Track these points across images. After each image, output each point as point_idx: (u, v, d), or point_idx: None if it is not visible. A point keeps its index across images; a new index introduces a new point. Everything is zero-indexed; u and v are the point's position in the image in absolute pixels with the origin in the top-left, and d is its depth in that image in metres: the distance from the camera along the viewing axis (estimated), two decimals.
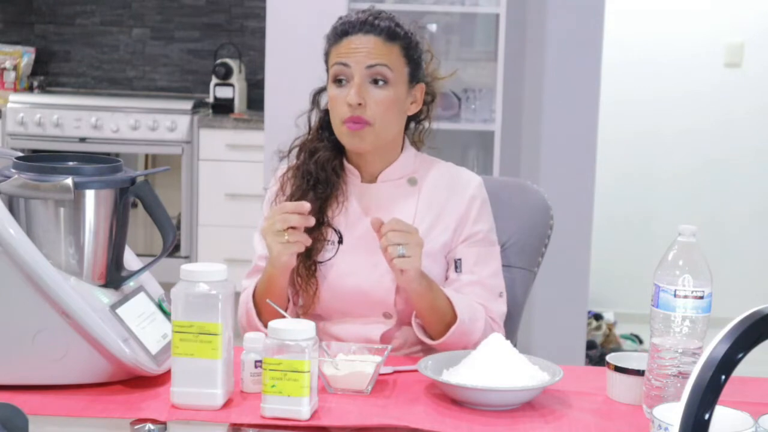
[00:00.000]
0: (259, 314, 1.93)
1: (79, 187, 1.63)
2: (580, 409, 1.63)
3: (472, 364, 1.66)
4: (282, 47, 3.88)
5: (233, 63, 4.82)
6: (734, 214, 5.16)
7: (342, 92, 1.92)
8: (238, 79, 4.80)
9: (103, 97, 4.86)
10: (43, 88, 5.05)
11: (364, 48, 1.91)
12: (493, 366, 1.64)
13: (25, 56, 5.04)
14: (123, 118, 4.59)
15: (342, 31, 1.94)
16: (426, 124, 2.07)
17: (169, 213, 1.74)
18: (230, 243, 4.48)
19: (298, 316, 1.97)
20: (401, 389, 1.69)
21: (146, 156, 4.71)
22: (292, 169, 2.02)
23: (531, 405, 1.63)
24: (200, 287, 1.55)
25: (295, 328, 1.54)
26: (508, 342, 1.70)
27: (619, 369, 1.67)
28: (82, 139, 4.59)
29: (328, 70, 1.98)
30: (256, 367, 1.63)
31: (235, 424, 1.54)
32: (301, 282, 1.96)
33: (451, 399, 1.63)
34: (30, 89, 5.00)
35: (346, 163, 2.01)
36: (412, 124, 2.07)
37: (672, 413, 1.40)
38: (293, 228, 1.82)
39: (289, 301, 1.96)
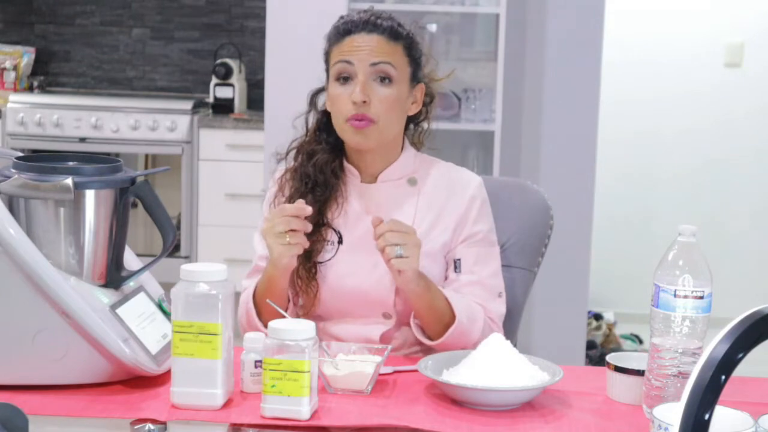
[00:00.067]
0: (259, 314, 1.93)
1: (79, 187, 1.63)
2: (580, 409, 1.63)
3: (472, 364, 1.66)
4: (282, 47, 3.88)
5: (233, 63, 4.82)
6: (734, 214, 5.16)
7: (346, 90, 1.92)
8: (238, 79, 4.80)
9: (103, 97, 4.86)
10: (43, 88, 5.05)
11: (367, 46, 1.91)
12: (493, 366, 1.64)
13: (25, 56, 5.04)
14: (123, 118, 4.59)
15: (345, 30, 1.94)
16: (425, 125, 2.07)
17: (169, 213, 1.74)
18: (230, 243, 4.48)
19: (298, 316, 1.97)
20: (401, 389, 1.69)
21: (146, 156, 4.72)
22: (290, 171, 2.01)
23: (531, 405, 1.63)
24: (200, 287, 1.55)
25: (295, 328, 1.54)
26: (508, 342, 1.70)
27: (619, 369, 1.67)
28: (82, 139, 4.59)
29: (328, 70, 1.98)
30: (256, 367, 1.63)
31: (235, 424, 1.54)
32: (301, 284, 1.95)
33: (451, 399, 1.63)
34: (30, 89, 5.00)
35: (345, 163, 2.01)
36: (411, 125, 2.06)
37: (672, 413, 1.40)
38: (293, 230, 1.82)
39: (289, 301, 1.95)
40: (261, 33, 4.57)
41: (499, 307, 1.98)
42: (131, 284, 1.73)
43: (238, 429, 1.54)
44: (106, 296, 1.66)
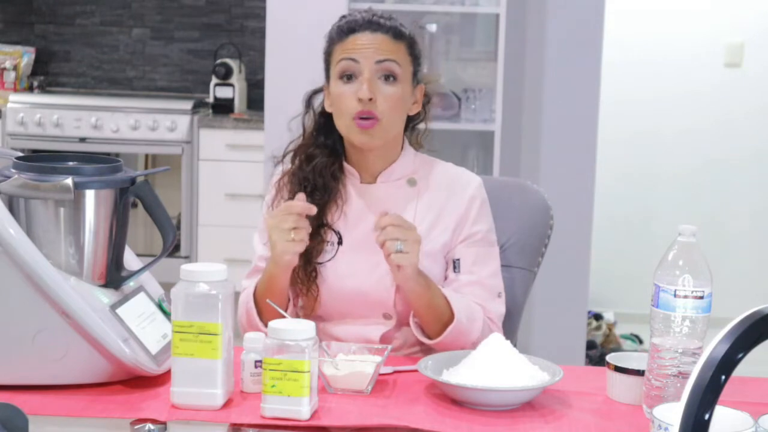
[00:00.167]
0: (259, 313, 1.93)
1: (79, 187, 1.63)
2: (580, 409, 1.63)
3: (472, 364, 1.66)
4: (282, 47, 3.88)
5: (233, 63, 4.82)
6: (734, 214, 5.16)
7: (350, 88, 1.91)
8: (238, 79, 4.80)
9: (103, 97, 4.86)
10: (43, 88, 5.05)
11: (372, 44, 1.91)
12: (493, 366, 1.64)
13: (25, 56, 5.04)
14: (123, 118, 4.59)
15: (348, 29, 1.94)
16: (423, 126, 2.07)
17: (169, 213, 1.74)
18: (230, 243, 4.48)
19: (298, 316, 1.97)
20: (401, 389, 1.69)
21: (146, 156, 4.71)
22: (287, 175, 2.01)
23: (531, 405, 1.63)
24: (200, 287, 1.55)
25: (295, 328, 1.54)
26: (508, 342, 1.70)
27: (619, 369, 1.67)
28: (82, 139, 4.59)
29: (328, 69, 1.97)
30: (256, 367, 1.63)
31: (235, 424, 1.54)
32: (301, 286, 1.95)
33: (451, 399, 1.63)
34: (30, 89, 5.00)
35: (345, 164, 2.01)
36: (410, 126, 2.06)
37: (672, 413, 1.40)
38: (297, 228, 1.82)
39: (289, 300, 1.95)
40: (261, 33, 4.57)
41: (499, 307, 1.98)
42: (131, 284, 1.73)
43: (238, 429, 1.54)
44: (106, 296, 1.66)
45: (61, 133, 4.59)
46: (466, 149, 4.05)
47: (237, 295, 1.66)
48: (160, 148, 4.60)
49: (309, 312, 1.97)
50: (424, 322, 1.91)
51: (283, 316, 1.70)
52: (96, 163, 1.72)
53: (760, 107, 5.09)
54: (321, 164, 1.98)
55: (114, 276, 1.70)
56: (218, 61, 4.85)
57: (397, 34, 1.94)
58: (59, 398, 1.59)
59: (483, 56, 4.11)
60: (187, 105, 4.63)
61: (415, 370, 1.71)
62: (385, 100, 1.91)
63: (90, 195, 1.65)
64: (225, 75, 4.77)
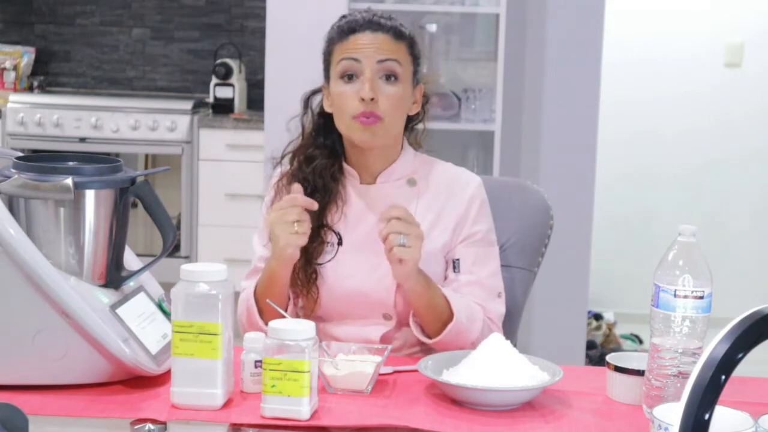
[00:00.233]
0: (260, 312, 1.92)
1: (79, 187, 1.63)
2: (580, 409, 1.63)
3: (472, 364, 1.66)
4: (282, 47, 3.88)
5: (233, 63, 4.82)
6: (734, 214, 5.16)
7: (352, 88, 1.91)
8: (238, 79, 4.80)
9: (103, 97, 4.86)
10: (43, 88, 5.05)
11: (373, 44, 1.91)
12: (493, 366, 1.64)
13: (25, 56, 5.04)
14: (123, 118, 4.59)
15: (349, 29, 1.93)
16: (422, 126, 2.07)
17: (169, 213, 1.74)
18: (230, 243, 4.48)
19: (298, 317, 1.97)
20: (401, 389, 1.69)
21: (146, 156, 4.71)
22: (286, 176, 2.01)
23: (531, 405, 1.63)
24: (200, 287, 1.55)
25: (295, 328, 1.54)
26: (508, 342, 1.70)
27: (619, 369, 1.67)
28: (82, 139, 4.59)
29: (328, 69, 1.97)
30: (256, 367, 1.63)
31: (235, 424, 1.54)
32: (301, 287, 1.95)
33: (451, 399, 1.63)
34: (30, 89, 5.00)
35: (344, 164, 2.01)
36: (409, 126, 2.06)
37: (672, 413, 1.40)
38: (299, 221, 1.82)
39: (289, 299, 1.95)
40: (261, 33, 4.57)
41: (499, 307, 1.98)
42: (131, 284, 1.73)
43: (238, 429, 1.54)
44: (106, 296, 1.66)
45: (61, 133, 4.59)
46: (466, 149, 4.05)
47: (237, 295, 1.66)
48: (160, 148, 4.60)
49: (309, 313, 1.96)
50: (424, 322, 1.91)
51: (284, 316, 1.70)
52: (96, 163, 1.72)
53: (760, 107, 5.09)
54: (321, 165, 1.98)
55: (114, 276, 1.70)
56: (218, 61, 4.85)
57: (397, 34, 1.94)
58: (59, 398, 1.59)
59: (483, 56, 4.11)
60: (187, 105, 4.64)
61: (415, 370, 1.71)
62: (386, 99, 1.91)
63: (90, 195, 1.65)
64: (225, 75, 4.77)
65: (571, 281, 4.00)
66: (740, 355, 0.81)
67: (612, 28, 4.37)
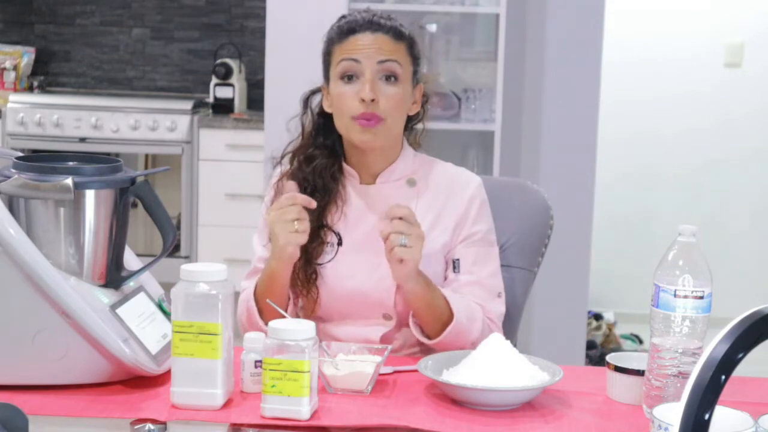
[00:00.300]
0: (260, 312, 1.92)
1: (79, 187, 1.63)
2: (580, 409, 1.63)
3: (472, 364, 1.66)
4: (282, 47, 3.88)
5: (233, 63, 4.82)
6: (734, 214, 5.16)
7: (352, 88, 1.91)
8: (238, 79, 4.80)
9: (103, 97, 4.86)
10: (43, 88, 5.05)
11: (373, 45, 1.91)
12: (493, 366, 1.64)
13: (25, 56, 5.04)
14: (123, 118, 4.59)
15: (348, 29, 1.93)
16: (421, 125, 2.06)
17: (169, 213, 1.74)
18: (230, 243, 4.48)
19: (298, 316, 1.97)
20: (401, 389, 1.69)
21: (146, 156, 4.71)
22: (286, 176, 2.00)
23: (531, 405, 1.63)
24: (200, 287, 1.55)
25: (295, 328, 1.54)
26: (508, 342, 1.70)
27: (619, 369, 1.67)
28: (82, 139, 4.59)
29: (327, 70, 1.97)
30: (256, 367, 1.63)
31: (235, 424, 1.54)
32: (301, 287, 1.95)
33: (451, 399, 1.63)
34: (30, 89, 5.00)
35: (344, 165, 2.00)
36: (408, 126, 2.06)
37: (672, 413, 1.40)
38: (299, 219, 1.82)
39: (289, 299, 1.95)
40: (261, 33, 4.57)
41: (498, 307, 1.98)
42: (131, 284, 1.73)
43: (238, 429, 1.54)
44: (106, 296, 1.66)
45: (61, 133, 4.59)
46: (466, 149, 4.05)
47: (237, 295, 1.66)
48: (160, 148, 4.60)
49: (309, 313, 1.96)
50: (424, 322, 1.91)
51: (284, 317, 1.70)
52: (96, 163, 1.71)
53: (760, 107, 5.09)
54: (321, 165, 1.98)
55: (114, 276, 1.70)
56: (218, 61, 4.85)
57: (397, 34, 1.94)
58: (59, 398, 1.59)
59: (483, 56, 4.11)
60: (187, 105, 4.64)
61: (415, 370, 1.71)
62: (387, 100, 1.90)
63: (90, 195, 1.65)
64: (225, 75, 4.77)
65: (571, 281, 4.00)
66: (740, 355, 0.81)
67: (612, 28, 4.37)
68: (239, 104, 4.78)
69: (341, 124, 1.94)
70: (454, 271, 1.97)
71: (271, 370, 1.52)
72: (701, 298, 1.55)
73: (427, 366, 1.69)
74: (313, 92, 2.03)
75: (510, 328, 2.10)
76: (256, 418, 1.54)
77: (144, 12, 5.13)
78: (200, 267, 1.58)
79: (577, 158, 4.00)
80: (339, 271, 1.95)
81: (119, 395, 1.61)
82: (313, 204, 1.84)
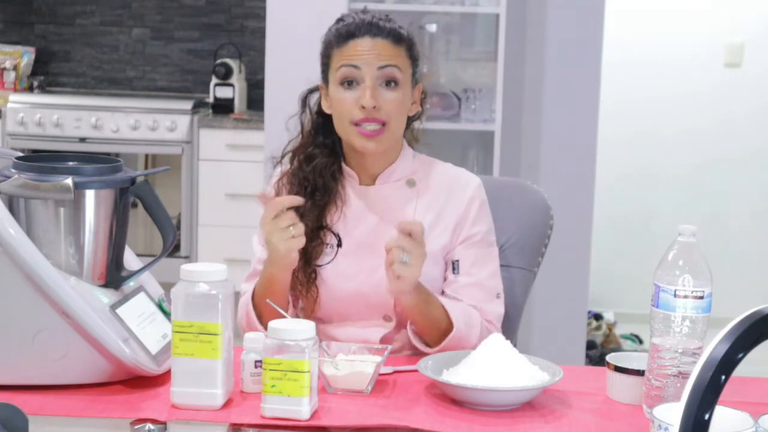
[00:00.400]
0: (259, 316, 1.92)
1: (79, 187, 1.63)
2: (580, 409, 1.63)
3: (472, 364, 1.66)
4: (282, 47, 3.88)
5: (233, 63, 4.82)
6: (734, 214, 5.16)
7: (351, 94, 1.90)
8: (238, 79, 4.80)
9: (103, 97, 4.86)
10: (43, 88, 5.05)
11: (373, 50, 1.90)
12: (493, 366, 1.64)
13: (25, 56, 5.04)
14: (123, 118, 4.59)
15: (348, 33, 1.92)
16: (418, 123, 2.06)
17: (169, 213, 1.74)
18: (230, 243, 4.48)
19: (297, 317, 1.96)
20: (401, 389, 1.69)
21: (146, 156, 4.71)
22: (286, 176, 2.00)
23: (531, 405, 1.63)
24: (200, 287, 1.55)
25: (295, 328, 1.54)
26: (508, 342, 1.70)
27: (619, 369, 1.67)
28: (82, 139, 4.59)
29: (326, 72, 1.96)
30: (256, 367, 1.63)
31: (235, 424, 1.54)
32: (301, 288, 1.95)
33: (451, 399, 1.63)
34: (30, 89, 5.00)
35: (344, 166, 2.00)
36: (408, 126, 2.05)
37: (672, 413, 1.40)
38: (294, 224, 1.82)
39: (288, 303, 1.95)
40: (261, 33, 4.57)
41: (497, 308, 1.97)
42: (131, 284, 1.73)
43: (238, 429, 1.54)
44: (106, 296, 1.66)
45: (61, 133, 4.59)
46: (466, 149, 4.05)
47: (237, 295, 1.66)
48: (160, 148, 4.60)
49: (309, 314, 1.96)
50: (421, 331, 1.90)
51: (283, 317, 1.70)
52: (96, 163, 1.71)
53: (760, 107, 5.09)
54: (321, 164, 1.97)
55: (114, 276, 1.70)
56: (218, 61, 4.85)
57: (396, 37, 1.93)
58: (59, 398, 1.59)
59: (483, 56, 4.11)
60: (187, 105, 4.63)
61: (415, 370, 1.71)
62: (388, 105, 1.90)
63: (90, 195, 1.65)
64: (225, 75, 4.77)
65: (571, 281, 4.00)
66: (740, 355, 0.81)
67: (612, 28, 4.37)
68: (239, 104, 4.78)
69: (341, 128, 1.94)
70: (454, 273, 1.97)
71: (271, 370, 1.52)
72: (701, 298, 1.55)
73: (427, 366, 1.69)
74: (311, 91, 2.02)
75: (510, 328, 2.10)
76: (256, 418, 1.54)
77: (144, 12, 5.13)
78: (200, 267, 1.58)
79: (577, 158, 4.00)
80: (339, 272, 1.95)
81: (119, 395, 1.61)
82: (300, 201, 1.83)
